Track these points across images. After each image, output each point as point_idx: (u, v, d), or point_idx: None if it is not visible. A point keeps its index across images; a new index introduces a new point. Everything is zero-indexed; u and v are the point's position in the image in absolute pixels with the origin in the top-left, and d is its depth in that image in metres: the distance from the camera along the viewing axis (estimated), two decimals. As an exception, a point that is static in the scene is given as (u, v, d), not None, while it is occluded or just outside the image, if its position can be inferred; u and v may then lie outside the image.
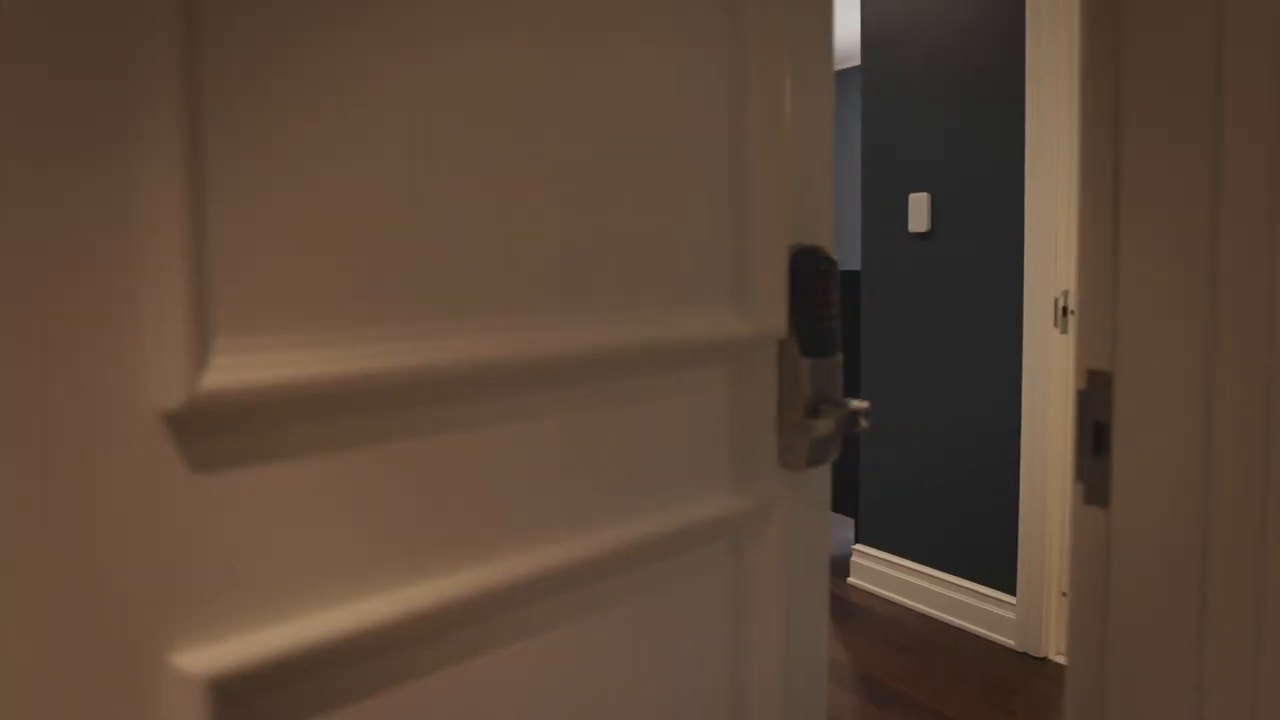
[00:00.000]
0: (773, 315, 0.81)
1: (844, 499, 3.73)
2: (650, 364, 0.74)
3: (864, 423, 0.86)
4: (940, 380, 3.11)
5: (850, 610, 3.23)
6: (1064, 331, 2.72)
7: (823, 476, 0.90)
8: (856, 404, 0.86)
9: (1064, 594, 2.80)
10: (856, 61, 7.16)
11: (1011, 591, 2.88)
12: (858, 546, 3.46)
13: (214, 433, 0.56)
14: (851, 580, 3.47)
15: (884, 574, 3.33)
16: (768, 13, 0.77)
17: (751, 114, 0.78)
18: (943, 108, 3.04)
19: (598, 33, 0.67)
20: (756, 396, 0.83)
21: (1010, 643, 2.88)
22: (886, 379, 3.31)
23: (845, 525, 4.18)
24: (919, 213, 3.13)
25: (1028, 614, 2.82)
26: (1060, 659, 2.79)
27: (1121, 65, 0.82)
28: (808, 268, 0.83)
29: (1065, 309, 2.72)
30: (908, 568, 3.24)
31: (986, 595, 2.96)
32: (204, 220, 0.54)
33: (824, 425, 0.83)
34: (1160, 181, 0.80)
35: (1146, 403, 0.81)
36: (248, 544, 0.57)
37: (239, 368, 0.56)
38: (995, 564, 2.94)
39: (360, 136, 0.58)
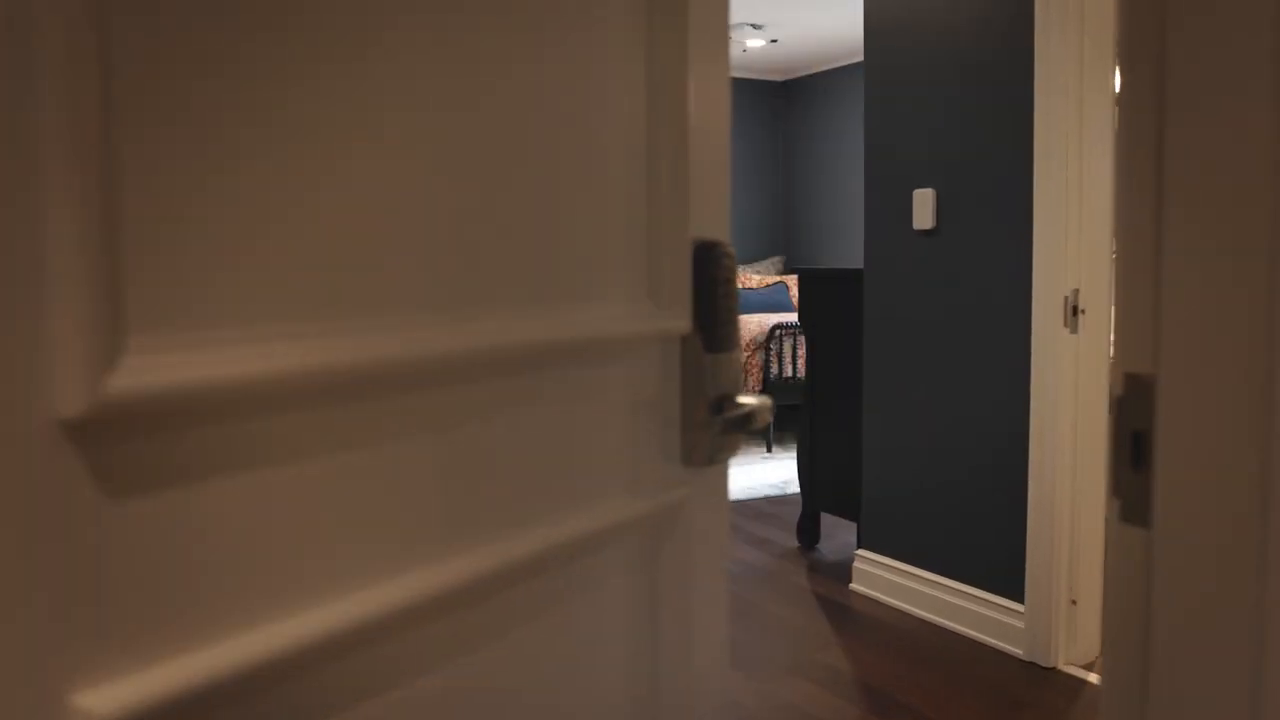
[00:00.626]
0: (678, 311, 0.80)
1: (845, 502, 3.65)
2: (552, 362, 0.72)
3: (768, 418, 0.86)
4: (945, 381, 3.02)
5: (852, 617, 3.15)
6: (1073, 331, 2.64)
7: (724, 473, 0.90)
8: (759, 400, 0.86)
9: (1074, 602, 2.71)
10: (859, 58, 7.08)
11: (1019, 599, 2.80)
12: (860, 552, 3.37)
13: (124, 443, 0.49)
14: (854, 586, 3.39)
15: (887, 580, 3.25)
16: (672, 22, 0.78)
17: (655, 113, 0.78)
18: (948, 101, 2.96)
19: (509, 40, 0.66)
20: (661, 394, 0.82)
21: (1018, 652, 2.80)
22: (890, 379, 3.23)
23: (847, 529, 4.10)
24: (924, 209, 3.05)
25: (1036, 622, 2.73)
26: (1071, 669, 2.71)
27: (1167, 45, 0.74)
28: (709, 262, 0.83)
29: (1075, 308, 2.64)
30: (912, 574, 3.16)
31: (993, 603, 2.88)
32: (116, 206, 0.48)
33: (728, 422, 0.83)
34: (1212, 168, 0.72)
35: (1195, 409, 0.73)
36: (159, 566, 0.51)
37: (153, 369, 0.49)
38: (1002, 570, 2.86)
39: (282, 127, 0.54)
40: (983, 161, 2.86)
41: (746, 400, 0.86)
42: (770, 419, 0.87)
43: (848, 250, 7.28)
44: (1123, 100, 0.78)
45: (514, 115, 0.67)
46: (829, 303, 3.70)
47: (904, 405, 3.18)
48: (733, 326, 0.85)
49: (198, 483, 0.52)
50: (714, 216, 0.85)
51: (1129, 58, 0.77)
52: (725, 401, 0.84)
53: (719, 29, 0.83)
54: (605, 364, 0.77)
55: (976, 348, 2.91)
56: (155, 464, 0.51)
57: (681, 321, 0.81)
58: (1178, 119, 0.74)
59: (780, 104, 7.89)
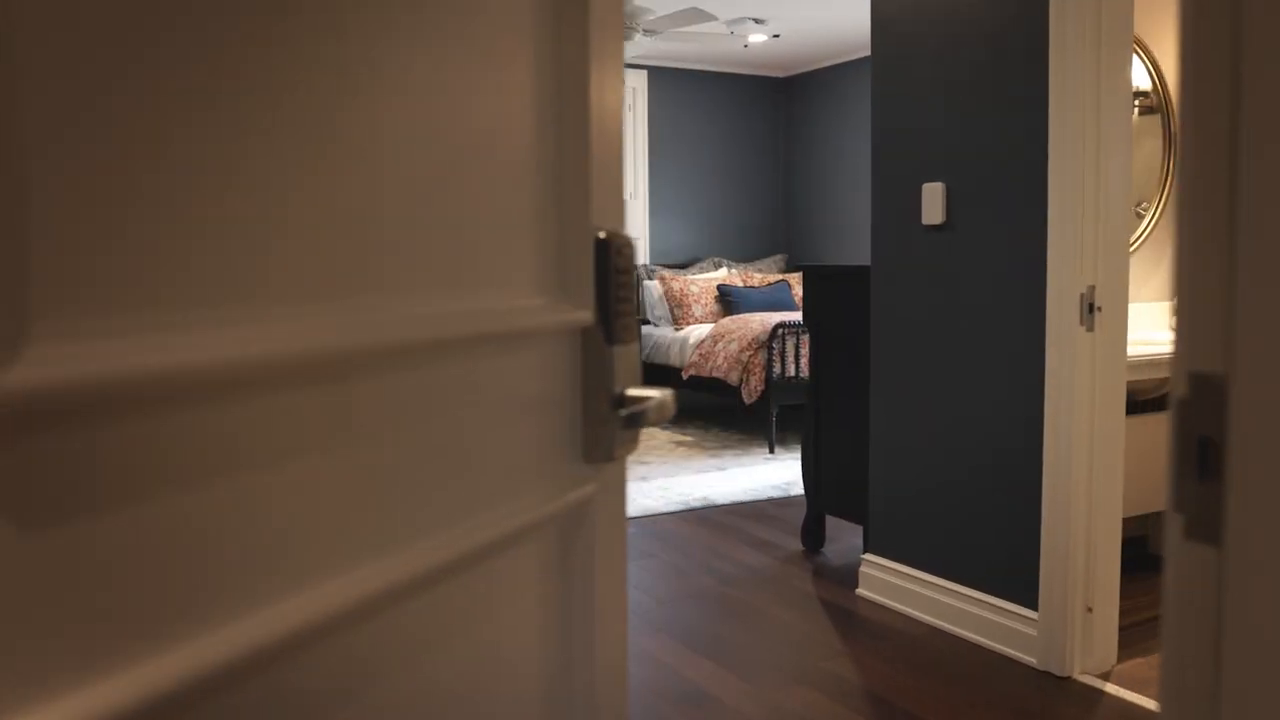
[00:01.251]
0: (581, 302, 0.80)
1: (851, 505, 3.56)
2: (455, 355, 0.69)
3: (671, 412, 0.84)
4: (955, 380, 2.93)
5: (859, 624, 3.06)
6: (1090, 329, 2.55)
7: (624, 469, 0.90)
8: (660, 393, 0.84)
9: (1089, 609, 2.62)
10: (862, 53, 6.99)
11: (1033, 606, 2.71)
12: (867, 556, 3.28)
13: (24, 443, 0.41)
14: (860, 592, 3.30)
15: (895, 585, 3.16)
16: (575, 30, 0.79)
17: (558, 111, 0.79)
18: (958, 92, 2.87)
19: (415, 39, 0.65)
20: (566, 389, 0.81)
21: (1031, 661, 2.71)
22: (897, 378, 3.14)
23: (853, 532, 4.01)
24: (933, 204, 2.96)
25: (1051, 630, 2.64)
26: (1086, 679, 2.62)
27: (1243, 19, 0.65)
28: (610, 254, 0.82)
29: (1091, 305, 2.55)
30: (920, 579, 3.07)
31: (1005, 609, 2.79)
32: (21, 177, 0.41)
33: (630, 417, 0.82)
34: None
35: (1276, 412, 0.64)
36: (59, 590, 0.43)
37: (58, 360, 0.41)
38: (1015, 576, 2.77)
39: (182, 112, 0.50)
40: (994, 154, 2.77)
41: (647, 393, 0.84)
42: (673, 412, 0.85)
43: (851, 248, 7.19)
44: (1184, 65, 0.69)
45: (419, 111, 0.65)
46: (834, 300, 3.61)
47: (912, 405, 3.09)
48: (631, 319, 0.84)
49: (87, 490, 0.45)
50: (613, 210, 0.85)
51: (1193, 36, 0.68)
52: (628, 395, 0.83)
53: (616, 35, 0.86)
54: (511, 357, 0.75)
55: (987, 346, 2.82)
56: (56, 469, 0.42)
57: (585, 313, 0.80)
58: (1260, 86, 0.65)
59: (781, 101, 7.80)
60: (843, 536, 3.99)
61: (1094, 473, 2.59)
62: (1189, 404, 0.70)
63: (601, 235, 0.82)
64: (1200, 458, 0.69)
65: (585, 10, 0.80)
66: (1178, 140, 0.73)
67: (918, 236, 3.04)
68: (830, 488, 3.68)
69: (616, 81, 0.84)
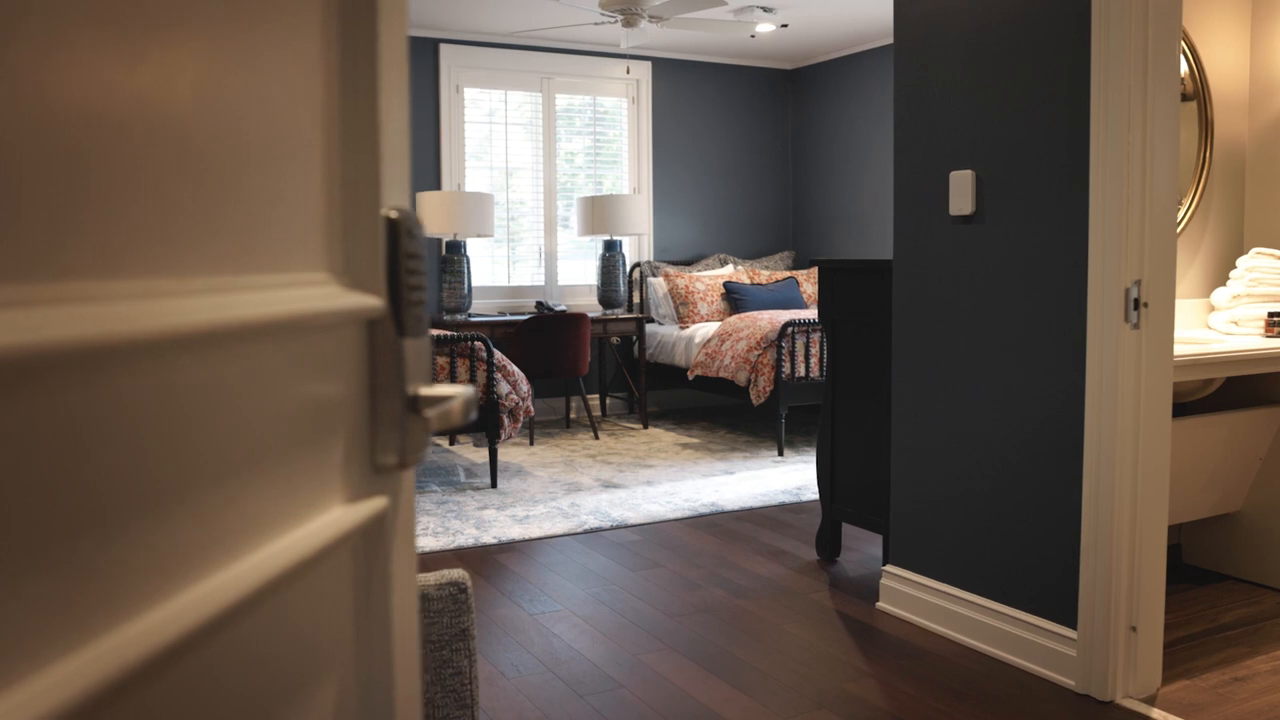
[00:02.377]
0: (371, 287, 0.72)
1: (869, 512, 3.37)
2: (220, 347, 0.56)
3: (471, 413, 0.77)
4: (984, 380, 2.75)
5: (881, 641, 2.87)
6: (1135, 326, 2.36)
7: (413, 479, 0.82)
8: (459, 391, 0.76)
9: (1134, 628, 2.44)
10: (875, 43, 6.80)
11: (1071, 624, 2.52)
12: (888, 568, 3.09)
13: None
14: (881, 605, 3.11)
15: (919, 600, 2.97)
16: (363, 16, 0.73)
17: (347, 91, 0.72)
18: (989, 72, 2.68)
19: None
20: (349, 387, 0.71)
21: (1070, 684, 2.52)
22: (921, 378, 2.95)
23: (870, 541, 3.82)
24: (961, 193, 2.77)
25: (1091, 650, 2.46)
26: (1130, 703, 2.43)
27: None
28: (400, 235, 0.75)
29: (1137, 301, 2.36)
30: (947, 593, 2.88)
31: (1042, 628, 2.60)
32: None
33: (425, 419, 0.74)
34: None
35: None
36: None
37: None
38: (1052, 591, 2.58)
39: None
40: (1029, 139, 2.58)
41: (445, 392, 0.75)
42: (474, 414, 0.77)
43: (861, 245, 7.00)
44: None
45: (196, 85, 0.55)
46: (853, 296, 3.42)
47: (937, 406, 2.90)
48: (422, 308, 0.76)
49: None
50: (400, 192, 0.77)
51: None
52: (419, 396, 0.75)
53: (401, 21, 0.79)
54: (294, 350, 0.64)
55: (1021, 343, 2.64)
56: None
57: (375, 299, 0.72)
58: None
59: (789, 93, 7.61)
60: (859, 545, 3.80)
61: (1139, 480, 2.41)
62: None
63: (393, 214, 0.74)
64: None
65: (374, 8, 0.74)
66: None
67: (944, 228, 2.85)
68: (847, 494, 3.49)
69: (401, 64, 0.78)
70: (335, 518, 0.68)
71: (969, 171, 2.75)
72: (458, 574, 1.45)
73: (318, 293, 0.67)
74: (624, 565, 3.58)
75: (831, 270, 3.53)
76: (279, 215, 0.63)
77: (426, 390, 0.76)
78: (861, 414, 3.41)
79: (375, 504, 0.74)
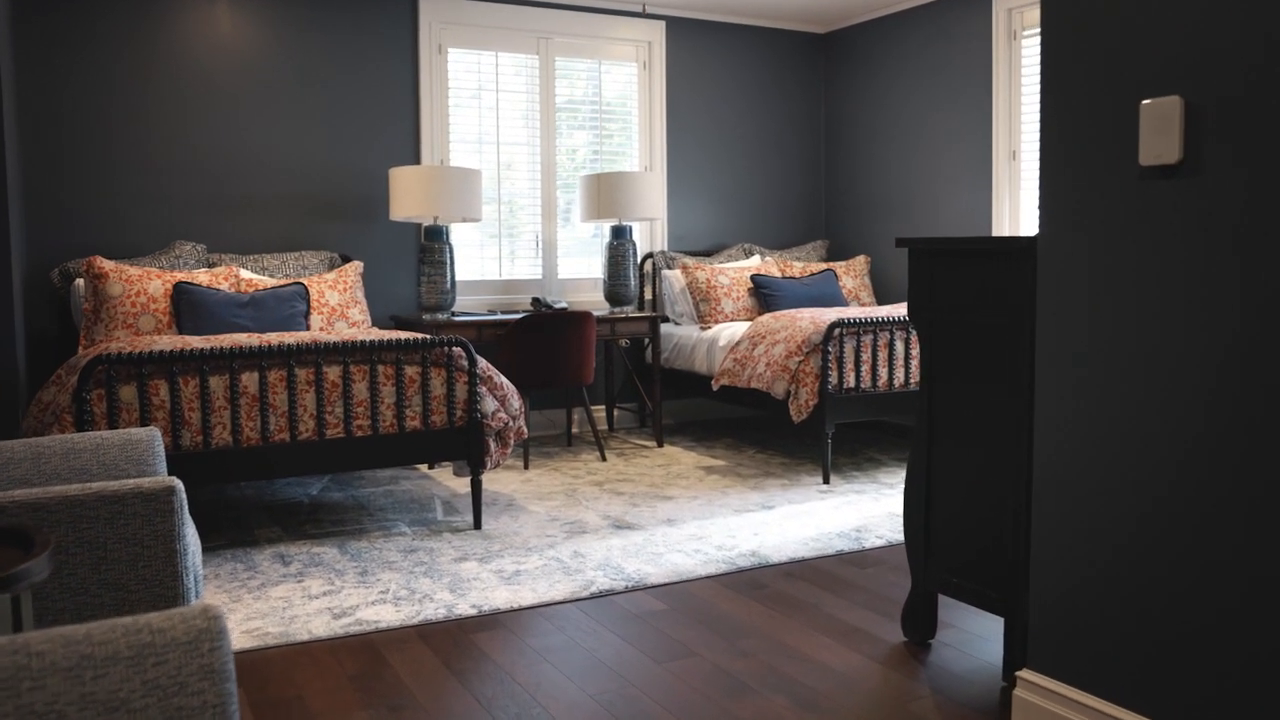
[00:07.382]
0: None
1: (983, 583, 2.44)
2: None
3: None
4: (1187, 407, 1.81)
5: (1034, 796, 1.93)
6: None
7: None
8: None
9: None
10: (919, 1, 5.86)
11: (1371, 807, 1.59)
12: (1027, 675, 2.16)
13: None
14: (1017, 728, 2.18)
15: (1081, 728, 2.04)
16: None
17: None
18: (1217, -57, 1.75)
19: None
20: None
21: None
22: (1084, 396, 2.02)
23: (978, 617, 2.88)
24: (1161, 131, 1.84)
25: None
26: None
27: None
28: None
29: None
30: (1119, 718, 1.95)
31: (1310, 803, 1.67)
32: None
33: None
34: None
35: None
36: None
37: None
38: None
39: None
40: (1268, 43, 1.65)
41: None
42: None
43: (905, 233, 6.06)
44: None
45: None
46: (961, 286, 2.49)
47: (1109, 437, 1.97)
48: None
49: None
50: None
51: None
52: None
53: None
54: None
55: (1251, 356, 1.70)
56: None
57: None
58: None
59: (820, 60, 6.67)
60: (960, 619, 2.87)
61: None
62: None
63: None
64: None
65: None
66: None
67: (1130, 185, 1.92)
68: (949, 554, 2.57)
69: None
70: None
71: (1175, 98, 1.82)
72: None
73: None
74: (644, 652, 2.66)
75: (929, 254, 2.60)
76: None
77: None
78: (973, 444, 2.48)
79: None
